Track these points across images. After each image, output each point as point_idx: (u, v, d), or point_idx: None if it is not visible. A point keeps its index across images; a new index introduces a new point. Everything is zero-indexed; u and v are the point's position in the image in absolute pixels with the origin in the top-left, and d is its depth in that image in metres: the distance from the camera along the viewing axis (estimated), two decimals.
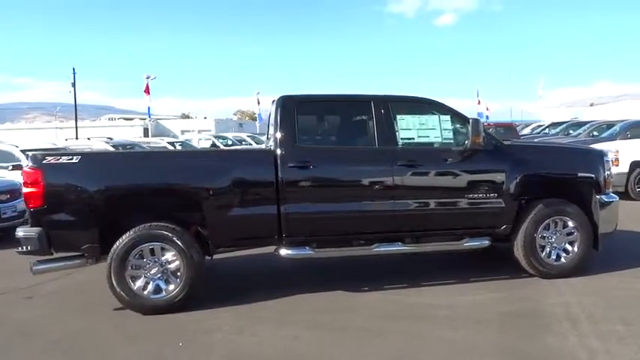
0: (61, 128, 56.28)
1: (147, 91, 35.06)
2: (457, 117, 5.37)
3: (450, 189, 5.20)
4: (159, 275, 4.78)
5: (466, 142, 5.25)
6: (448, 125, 5.33)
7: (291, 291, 5.21)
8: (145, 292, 4.75)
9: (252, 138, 21.57)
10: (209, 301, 4.90)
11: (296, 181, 4.92)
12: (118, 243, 4.68)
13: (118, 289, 4.69)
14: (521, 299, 4.87)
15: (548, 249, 5.41)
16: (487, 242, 5.32)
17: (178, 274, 4.77)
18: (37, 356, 4.03)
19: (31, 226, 4.70)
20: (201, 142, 18.81)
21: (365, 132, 5.26)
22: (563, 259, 5.43)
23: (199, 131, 52.44)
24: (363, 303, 4.91)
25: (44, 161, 4.65)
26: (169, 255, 4.75)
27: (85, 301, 5.28)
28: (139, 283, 4.76)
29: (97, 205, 4.66)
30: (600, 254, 5.59)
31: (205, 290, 4.98)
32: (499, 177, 5.22)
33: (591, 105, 64.45)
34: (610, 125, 16.76)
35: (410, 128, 5.25)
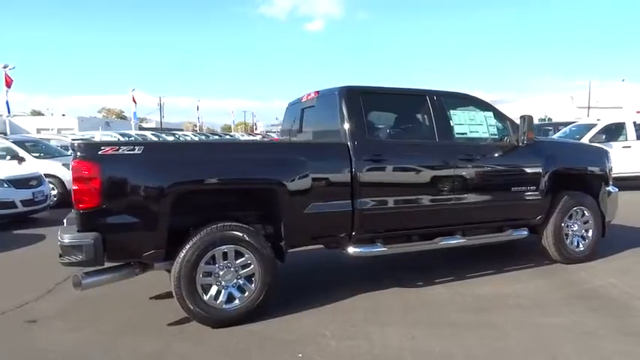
0: None
1: (7, 83, 30.75)
2: (497, 113, 5.60)
3: (501, 182, 5.40)
4: (233, 282, 4.24)
5: (505, 137, 5.52)
6: (492, 121, 5.53)
7: (352, 290, 5.00)
8: (218, 302, 4.18)
9: (155, 135, 20.03)
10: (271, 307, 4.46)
11: (370, 175, 4.70)
12: (187, 247, 4.06)
13: (188, 302, 4.06)
14: (571, 284, 5.21)
15: (570, 237, 5.90)
16: (526, 233, 5.63)
17: (253, 279, 4.29)
18: None
19: (81, 231, 3.86)
20: (105, 138, 16.94)
21: (425, 126, 5.22)
22: (581, 246, 5.96)
23: (59, 130, 47.12)
24: (434, 298, 4.84)
25: (100, 152, 3.85)
26: (244, 258, 4.24)
27: (113, 317, 4.50)
28: (211, 292, 4.18)
29: (166, 203, 3.97)
30: None
31: None
32: (538, 171, 5.55)
33: None
34: None
35: (462, 123, 5.34)
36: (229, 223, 4.22)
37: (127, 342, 3.98)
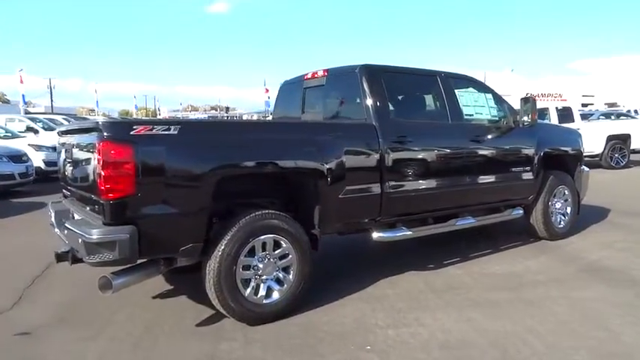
0: None
1: None
2: (496, 96, 5.71)
3: (505, 163, 5.54)
4: (273, 274, 3.91)
5: (503, 119, 5.66)
6: (492, 103, 5.63)
7: (371, 275, 4.89)
8: (258, 297, 3.84)
9: (66, 119, 18.13)
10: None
11: (397, 157, 4.57)
12: (227, 238, 3.66)
13: (229, 299, 3.68)
14: (570, 259, 5.46)
15: (554, 215, 6.22)
16: (522, 212, 5.84)
17: (290, 270, 3.99)
18: None
19: (110, 224, 3.30)
20: (11, 124, 14.94)
21: (438, 107, 5.18)
22: (562, 223, 6.31)
23: None
24: (456, 279, 4.83)
25: (133, 132, 3.31)
26: (281, 249, 3.93)
27: (123, 321, 3.97)
28: (251, 286, 3.82)
29: (208, 189, 3.54)
30: None
31: None
32: (532, 152, 5.77)
33: None
34: None
35: (468, 105, 5.37)
36: (267, 211, 3.88)
37: (164, 347, 3.52)
